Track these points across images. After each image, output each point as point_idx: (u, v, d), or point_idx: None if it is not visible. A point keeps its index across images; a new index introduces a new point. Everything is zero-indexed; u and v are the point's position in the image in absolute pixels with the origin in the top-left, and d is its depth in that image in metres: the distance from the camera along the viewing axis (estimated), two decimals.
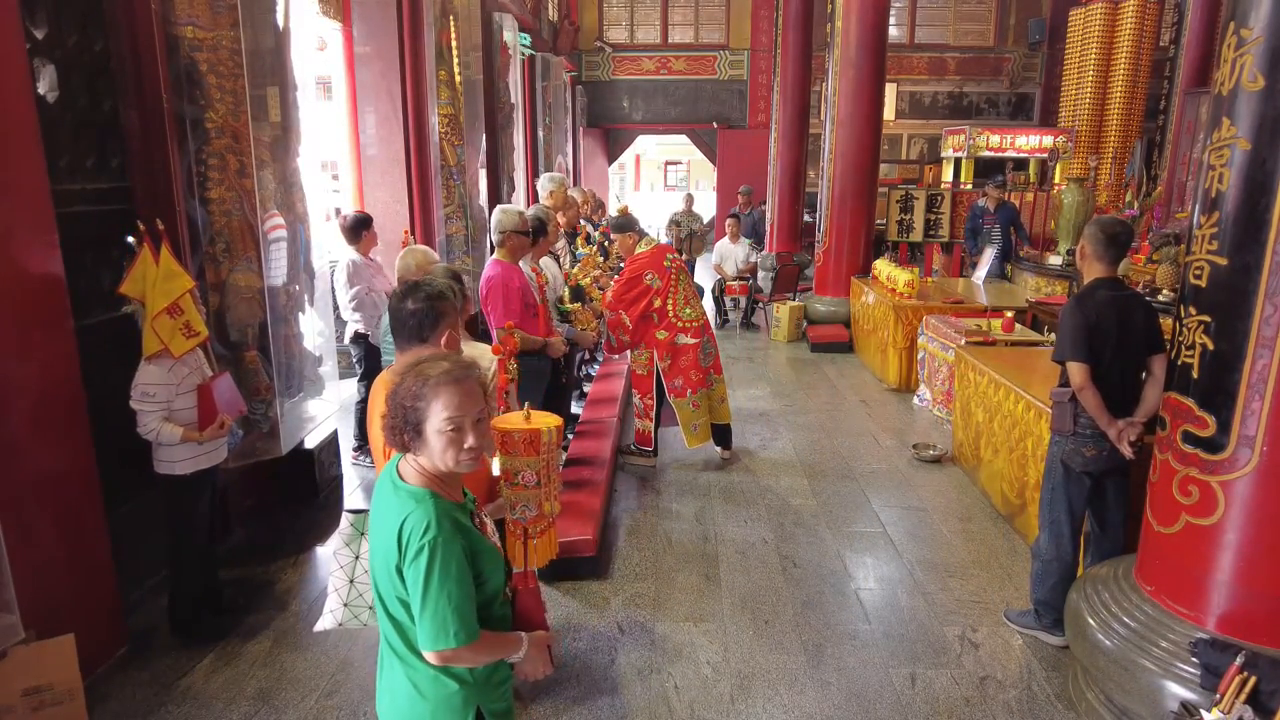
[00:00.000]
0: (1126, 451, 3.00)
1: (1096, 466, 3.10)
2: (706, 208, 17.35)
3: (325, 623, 2.01)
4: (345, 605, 1.91)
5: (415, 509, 1.60)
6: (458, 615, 1.59)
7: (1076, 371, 3.00)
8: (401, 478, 1.66)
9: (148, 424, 2.92)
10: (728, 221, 10.09)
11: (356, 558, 1.86)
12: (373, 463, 2.50)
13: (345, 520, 1.91)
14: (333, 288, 4.84)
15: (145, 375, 2.92)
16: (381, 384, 2.21)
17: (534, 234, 4.45)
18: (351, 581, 1.88)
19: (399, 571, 1.60)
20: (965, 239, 8.91)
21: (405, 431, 1.61)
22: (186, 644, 3.21)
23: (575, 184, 11.78)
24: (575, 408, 5.85)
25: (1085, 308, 3.03)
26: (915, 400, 6.53)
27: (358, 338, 5.04)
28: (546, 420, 2.55)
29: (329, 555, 1.98)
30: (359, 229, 5.02)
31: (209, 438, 3.04)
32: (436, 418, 1.59)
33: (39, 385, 2.74)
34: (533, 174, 10.26)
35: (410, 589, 1.59)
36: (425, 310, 2.19)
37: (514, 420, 2.45)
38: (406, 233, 5.38)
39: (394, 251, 5.66)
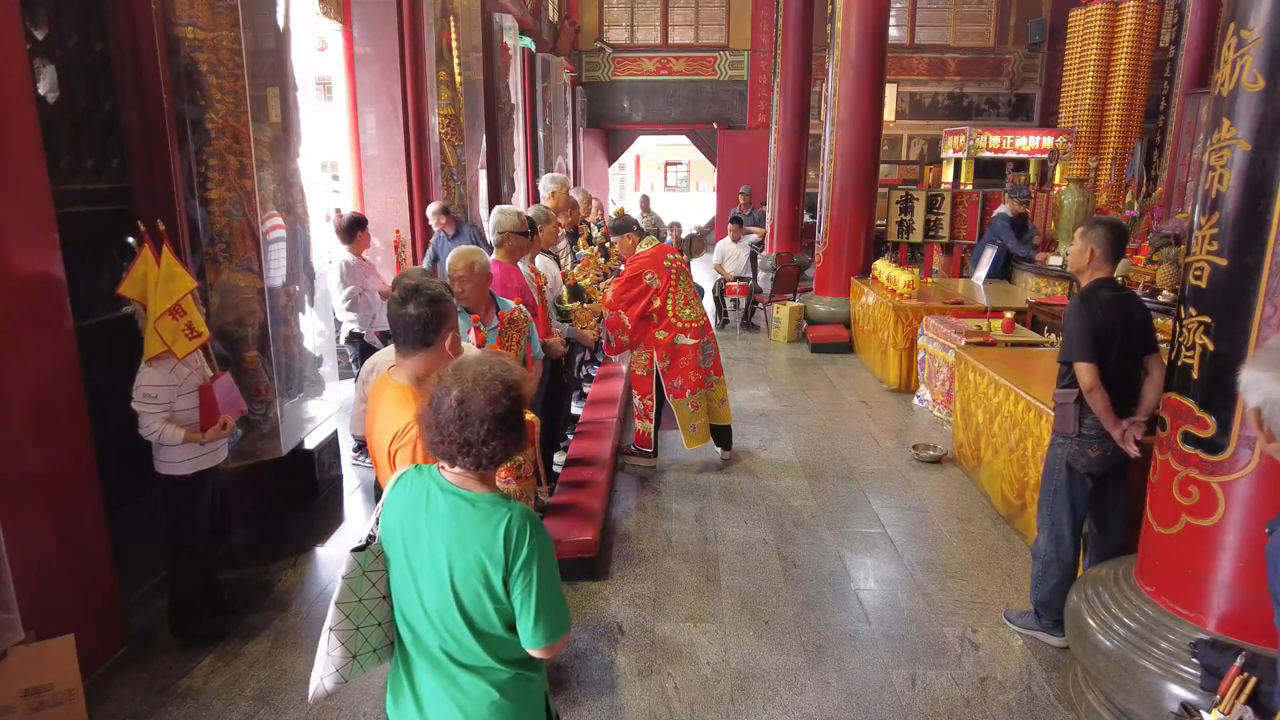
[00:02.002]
0: (1132, 450, 2.99)
1: (1100, 467, 3.10)
2: (706, 208, 17.37)
3: (327, 685, 1.73)
4: (354, 657, 1.73)
5: (509, 514, 1.58)
6: (563, 604, 1.63)
7: (1086, 372, 2.97)
8: (465, 489, 1.62)
9: (150, 426, 2.92)
10: (730, 226, 10.10)
11: (360, 600, 1.71)
12: (372, 463, 2.44)
13: (350, 562, 1.68)
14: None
15: (147, 377, 2.92)
16: (404, 396, 2.14)
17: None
18: (358, 629, 1.72)
19: (504, 581, 1.57)
20: (982, 246, 8.80)
21: (475, 455, 1.58)
22: (186, 644, 3.21)
23: (575, 185, 11.78)
24: (575, 408, 5.85)
25: (1091, 308, 3.01)
26: (915, 401, 6.53)
27: (353, 337, 5.05)
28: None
29: (330, 604, 1.71)
30: (353, 230, 5.04)
31: (211, 438, 3.04)
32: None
33: (39, 385, 2.74)
34: (533, 174, 10.27)
35: (522, 592, 1.57)
36: (429, 314, 2.14)
37: None
38: (398, 232, 5.38)
39: (389, 252, 5.68)
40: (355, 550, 1.68)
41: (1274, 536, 1.60)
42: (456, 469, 1.62)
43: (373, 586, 1.70)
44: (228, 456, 3.42)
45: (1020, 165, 10.42)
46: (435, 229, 5.96)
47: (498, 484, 2.72)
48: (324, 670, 1.72)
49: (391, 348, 2.84)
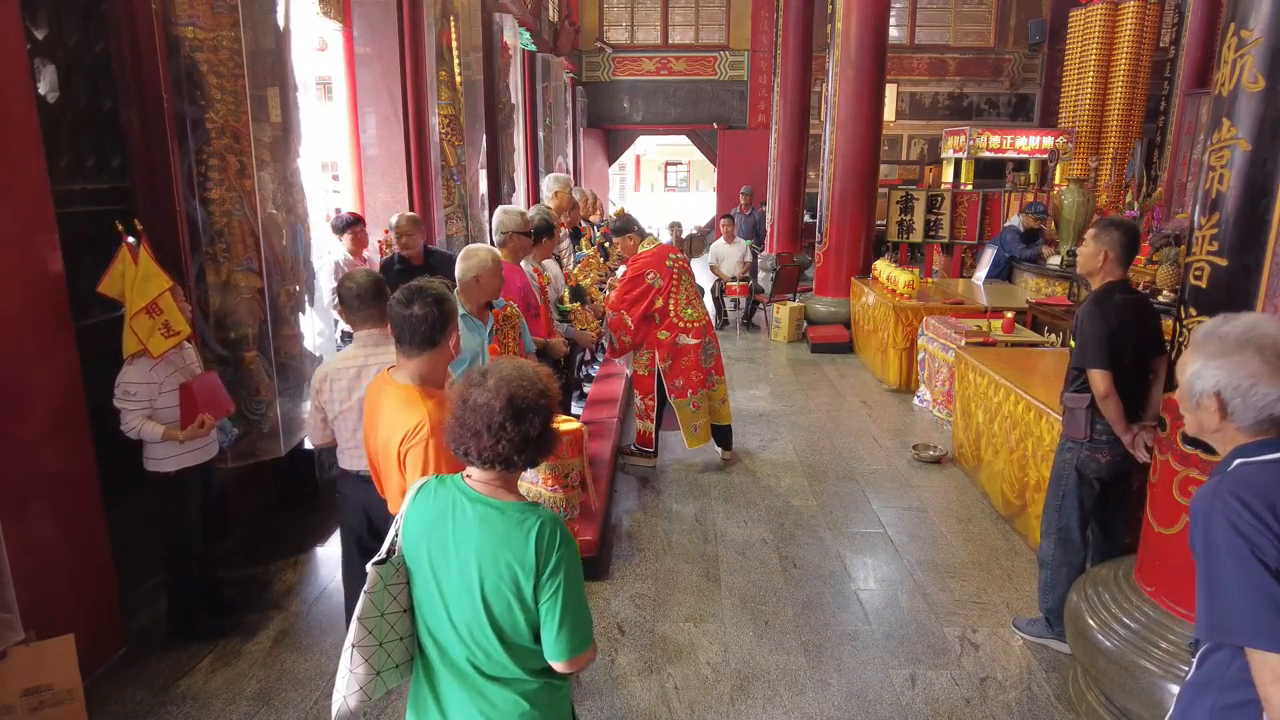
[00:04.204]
0: (1142, 456, 2.94)
1: (1110, 472, 3.07)
2: (706, 208, 17.35)
3: (351, 704, 1.67)
4: (378, 674, 1.69)
5: (540, 520, 1.56)
6: (588, 618, 1.61)
7: (1100, 379, 2.93)
8: (494, 497, 1.61)
9: (129, 422, 2.94)
10: (722, 222, 10.13)
11: (382, 615, 1.66)
12: (369, 467, 2.41)
13: (372, 576, 1.64)
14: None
15: (126, 375, 2.94)
16: (409, 396, 2.13)
17: (539, 234, 4.45)
18: (381, 644, 1.66)
19: (535, 588, 1.55)
20: (983, 249, 8.81)
21: (531, 451, 1.58)
22: (186, 644, 3.21)
23: (576, 184, 11.78)
24: (575, 408, 5.85)
25: (1106, 312, 2.97)
26: (915, 401, 6.53)
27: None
28: (569, 422, 2.55)
29: (352, 621, 1.66)
30: (342, 230, 5.12)
31: (188, 437, 3.03)
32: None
33: (39, 385, 2.74)
34: (533, 174, 10.26)
35: (549, 599, 1.55)
36: (436, 315, 2.13)
37: None
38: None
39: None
40: (377, 564, 1.64)
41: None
42: (483, 477, 1.60)
43: (394, 600, 1.67)
44: (225, 456, 3.41)
45: (1020, 165, 10.42)
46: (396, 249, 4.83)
47: (545, 492, 2.70)
48: (347, 689, 1.66)
49: (343, 353, 2.82)
